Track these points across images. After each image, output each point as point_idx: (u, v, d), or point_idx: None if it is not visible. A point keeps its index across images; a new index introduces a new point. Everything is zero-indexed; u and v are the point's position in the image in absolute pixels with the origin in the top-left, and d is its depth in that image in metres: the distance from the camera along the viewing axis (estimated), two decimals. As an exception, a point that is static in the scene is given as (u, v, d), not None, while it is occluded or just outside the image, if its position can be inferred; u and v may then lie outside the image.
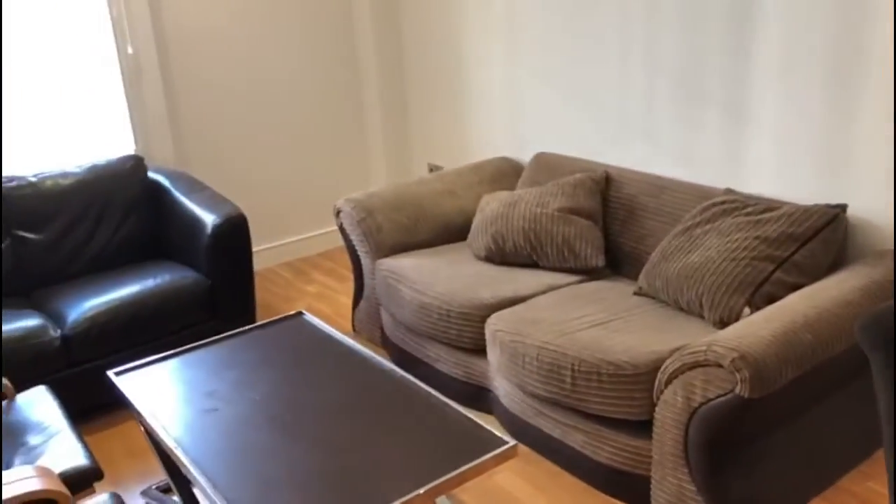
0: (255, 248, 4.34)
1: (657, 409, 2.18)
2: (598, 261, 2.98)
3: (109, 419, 3.02)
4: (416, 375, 3.17)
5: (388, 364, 2.37)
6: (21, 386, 2.67)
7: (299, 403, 2.19)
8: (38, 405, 2.36)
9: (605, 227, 3.12)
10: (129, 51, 3.70)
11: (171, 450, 2.04)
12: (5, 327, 2.82)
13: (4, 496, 1.84)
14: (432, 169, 4.38)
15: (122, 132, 3.81)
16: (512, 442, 1.95)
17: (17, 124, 3.53)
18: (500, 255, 3.11)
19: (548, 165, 3.44)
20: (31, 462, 2.11)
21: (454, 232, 3.44)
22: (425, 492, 1.82)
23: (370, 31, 4.26)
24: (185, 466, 1.97)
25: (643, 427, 2.28)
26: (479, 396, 2.90)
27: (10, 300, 3.14)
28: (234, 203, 3.30)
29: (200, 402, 2.24)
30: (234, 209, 3.21)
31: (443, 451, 1.95)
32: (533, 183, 3.45)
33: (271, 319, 2.69)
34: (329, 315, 3.78)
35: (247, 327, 2.66)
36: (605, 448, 2.37)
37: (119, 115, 3.78)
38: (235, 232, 3.18)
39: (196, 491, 2.44)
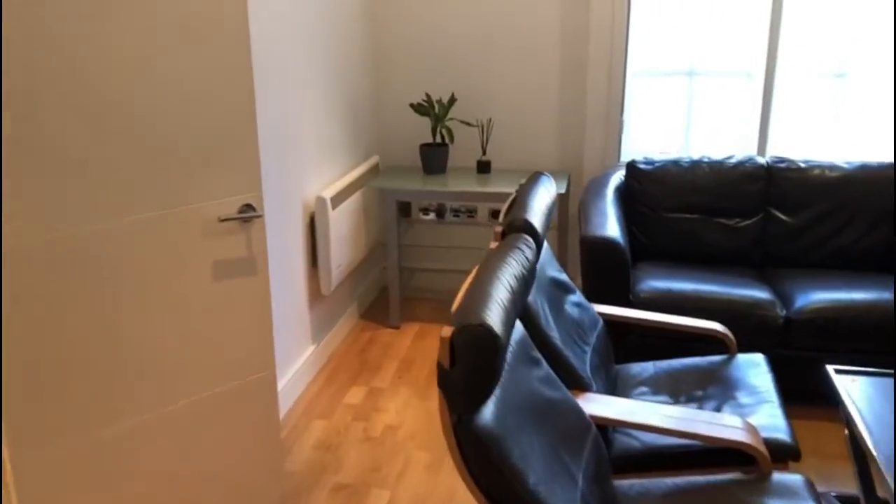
0: None
1: None
2: None
3: (809, 408, 3.02)
4: None
5: None
6: (741, 347, 2.87)
7: None
8: (755, 370, 2.51)
9: None
10: (942, 54, 3.46)
11: (874, 460, 1.93)
12: (740, 291, 3.05)
13: (712, 433, 2.03)
14: None
15: (901, 137, 3.65)
16: None
17: (797, 112, 3.69)
18: None
19: None
20: (738, 415, 2.27)
21: None
22: None
23: None
24: (887, 482, 1.84)
25: None
26: None
27: (745, 269, 3.38)
28: None
29: (921, 433, 2.05)
30: None
31: None
32: None
33: None
34: None
35: None
36: None
37: (904, 120, 3.62)
38: None
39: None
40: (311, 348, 3.36)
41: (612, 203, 3.38)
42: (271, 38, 2.82)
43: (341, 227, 3.41)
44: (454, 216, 4.17)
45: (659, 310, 3.02)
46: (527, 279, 1.84)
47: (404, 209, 4.16)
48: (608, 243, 3.03)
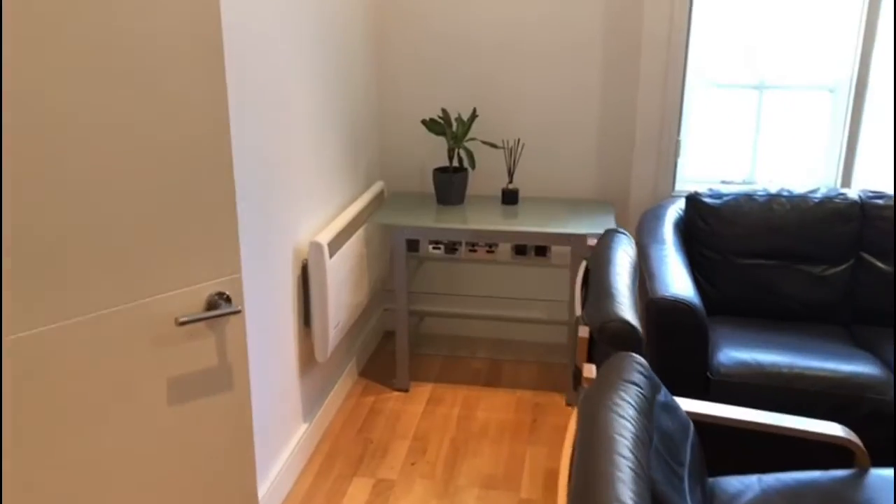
0: None
1: None
2: None
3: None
4: None
5: None
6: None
7: None
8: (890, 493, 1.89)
9: None
10: None
11: None
12: (844, 366, 2.43)
13: None
14: None
15: None
16: None
17: (889, 136, 3.07)
18: None
19: None
20: (901, 579, 1.65)
21: None
22: None
23: None
24: None
25: None
26: None
27: (833, 329, 2.76)
28: None
29: None
30: None
31: None
32: None
33: None
34: None
35: None
36: None
37: None
38: None
39: None
40: (303, 428, 2.70)
41: (674, 247, 2.75)
42: (245, 36, 2.15)
43: (340, 276, 2.75)
44: (470, 250, 3.52)
45: (745, 390, 2.41)
46: (650, 433, 1.20)
47: (411, 242, 3.51)
48: (683, 307, 2.39)
